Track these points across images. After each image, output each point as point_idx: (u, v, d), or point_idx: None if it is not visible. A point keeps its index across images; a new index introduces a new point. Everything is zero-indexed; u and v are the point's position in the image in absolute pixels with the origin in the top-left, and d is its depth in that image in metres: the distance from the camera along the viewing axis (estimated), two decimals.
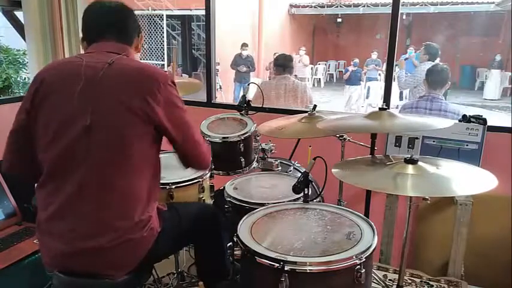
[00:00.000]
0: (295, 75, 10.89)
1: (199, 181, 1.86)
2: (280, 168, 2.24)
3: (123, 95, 1.27)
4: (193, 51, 13.07)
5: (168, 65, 10.42)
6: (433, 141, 2.42)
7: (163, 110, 1.30)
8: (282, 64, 3.34)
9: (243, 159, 2.03)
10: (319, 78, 13.92)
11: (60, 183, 1.27)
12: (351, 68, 9.57)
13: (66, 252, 1.25)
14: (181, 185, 1.81)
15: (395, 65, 2.87)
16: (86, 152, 1.24)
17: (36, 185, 1.34)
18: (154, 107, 1.27)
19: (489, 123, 2.32)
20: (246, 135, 2.02)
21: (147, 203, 1.31)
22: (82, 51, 1.47)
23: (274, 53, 10.08)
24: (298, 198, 1.67)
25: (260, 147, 2.19)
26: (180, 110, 1.37)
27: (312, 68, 13.42)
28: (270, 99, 3.23)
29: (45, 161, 1.29)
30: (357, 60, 9.79)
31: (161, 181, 1.76)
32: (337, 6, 13.31)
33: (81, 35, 1.46)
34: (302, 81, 3.70)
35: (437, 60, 3.85)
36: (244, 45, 8.98)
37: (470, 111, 2.53)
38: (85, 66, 1.29)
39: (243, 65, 8.81)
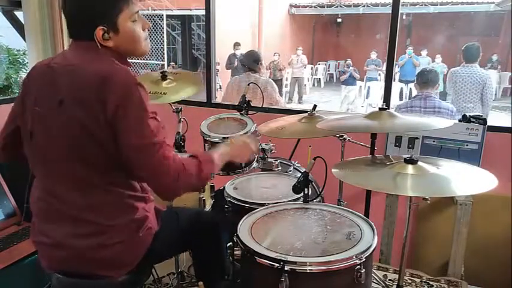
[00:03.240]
0: (295, 78, 10.92)
1: None
2: (280, 168, 2.23)
3: (81, 107, 1.16)
4: (193, 51, 13.06)
5: (168, 65, 10.42)
6: (433, 141, 2.42)
7: (115, 116, 1.15)
8: (246, 63, 3.40)
9: None
10: (319, 78, 13.91)
11: (48, 192, 1.26)
12: (347, 69, 9.58)
13: (62, 255, 1.25)
14: None
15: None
16: (56, 163, 1.23)
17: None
18: (107, 110, 1.14)
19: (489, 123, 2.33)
20: (246, 135, 2.01)
21: (142, 203, 1.30)
22: None
23: (275, 53, 10.10)
24: (298, 198, 1.67)
25: (260, 147, 2.18)
26: (135, 117, 1.17)
27: (312, 68, 13.42)
28: (233, 96, 3.29)
29: (34, 169, 1.30)
30: (349, 61, 9.81)
31: None
32: (337, 6, 13.31)
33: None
34: (269, 79, 3.69)
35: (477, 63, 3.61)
36: (236, 45, 8.97)
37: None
38: (53, 73, 1.23)
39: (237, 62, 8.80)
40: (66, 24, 1.30)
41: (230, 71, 8.96)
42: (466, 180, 1.41)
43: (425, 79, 3.04)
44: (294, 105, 10.37)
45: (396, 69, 9.63)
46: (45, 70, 1.27)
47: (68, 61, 1.24)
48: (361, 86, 10.18)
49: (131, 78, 1.19)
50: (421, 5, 11.63)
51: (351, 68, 9.60)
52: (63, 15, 2.89)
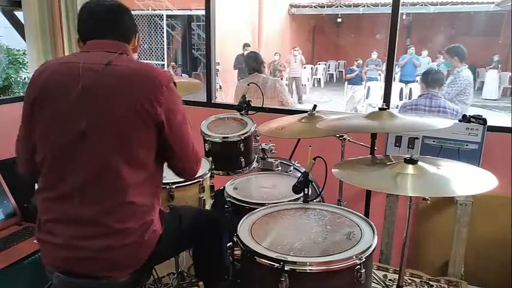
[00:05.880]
0: (293, 77, 10.90)
1: (199, 181, 1.86)
2: (280, 168, 2.23)
3: (123, 97, 1.24)
4: (193, 51, 13.07)
5: (168, 65, 10.42)
6: (433, 141, 2.42)
7: (164, 113, 1.26)
8: (250, 65, 3.38)
9: (243, 159, 2.03)
10: (319, 78, 13.91)
11: (60, 188, 1.26)
12: (356, 68, 9.53)
13: (67, 255, 1.26)
14: (182, 184, 1.81)
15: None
16: (84, 158, 1.23)
17: (36, 187, 1.33)
18: (157, 108, 1.24)
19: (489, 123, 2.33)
20: (246, 135, 2.02)
21: (149, 206, 1.31)
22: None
23: (276, 53, 10.09)
24: (298, 198, 1.67)
25: (260, 147, 2.18)
26: (180, 115, 1.33)
27: (312, 68, 13.42)
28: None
29: (45, 167, 1.28)
30: (360, 61, 9.78)
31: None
32: (337, 6, 13.31)
33: (77, 35, 1.41)
34: (276, 78, 3.67)
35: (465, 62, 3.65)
36: (246, 45, 9.00)
37: (471, 111, 2.54)
38: (82, 69, 1.25)
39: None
40: (91, 26, 1.36)
41: (237, 71, 8.99)
42: (466, 180, 1.41)
43: (432, 78, 3.02)
44: (294, 105, 10.36)
45: (397, 69, 9.63)
46: (74, 71, 1.25)
47: (104, 60, 1.26)
48: None
49: (172, 80, 1.33)
50: (421, 5, 11.62)
51: (360, 68, 9.53)
52: (63, 16, 2.93)
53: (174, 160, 1.39)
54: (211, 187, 1.99)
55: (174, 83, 1.33)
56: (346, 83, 9.85)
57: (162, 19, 10.44)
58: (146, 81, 1.26)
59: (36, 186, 1.34)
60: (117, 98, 1.24)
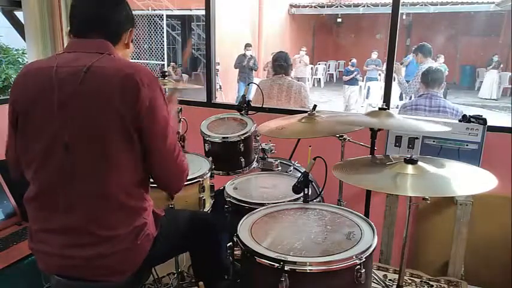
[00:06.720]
0: (297, 78, 10.91)
1: (199, 181, 1.85)
2: (280, 168, 2.23)
3: (102, 107, 1.18)
4: (193, 51, 13.06)
5: (168, 65, 10.42)
6: (433, 141, 2.42)
7: (144, 115, 1.20)
8: (279, 64, 3.34)
9: (243, 159, 2.03)
10: (319, 78, 13.92)
11: (49, 199, 1.25)
12: (351, 68, 9.52)
13: (61, 263, 1.26)
14: None
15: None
16: (70, 169, 1.21)
17: (24, 196, 1.31)
18: (134, 112, 1.19)
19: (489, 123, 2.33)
20: (246, 135, 2.02)
21: (139, 209, 1.30)
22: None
23: (272, 53, 10.09)
24: (298, 198, 1.67)
25: (260, 147, 2.18)
26: (161, 115, 1.24)
27: (312, 68, 13.43)
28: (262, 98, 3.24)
29: (32, 179, 1.27)
30: (354, 60, 9.76)
31: None
32: (337, 6, 13.32)
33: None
34: (300, 82, 3.66)
35: (435, 59, 3.93)
36: (247, 46, 9.01)
37: (471, 111, 2.54)
38: (59, 76, 1.19)
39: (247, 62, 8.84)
40: (78, 20, 1.29)
41: (237, 70, 9.01)
42: (466, 180, 1.41)
43: (431, 78, 3.01)
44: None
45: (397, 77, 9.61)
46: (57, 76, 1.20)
47: (88, 62, 1.20)
48: (361, 86, 10.17)
49: (156, 79, 1.26)
50: (421, 5, 11.63)
51: (355, 68, 9.52)
52: (63, 15, 2.93)
53: (153, 165, 1.29)
54: (211, 187, 1.98)
55: (155, 80, 1.26)
56: (343, 83, 9.86)
57: (162, 19, 10.43)
58: (122, 84, 1.19)
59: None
60: (95, 108, 1.19)
